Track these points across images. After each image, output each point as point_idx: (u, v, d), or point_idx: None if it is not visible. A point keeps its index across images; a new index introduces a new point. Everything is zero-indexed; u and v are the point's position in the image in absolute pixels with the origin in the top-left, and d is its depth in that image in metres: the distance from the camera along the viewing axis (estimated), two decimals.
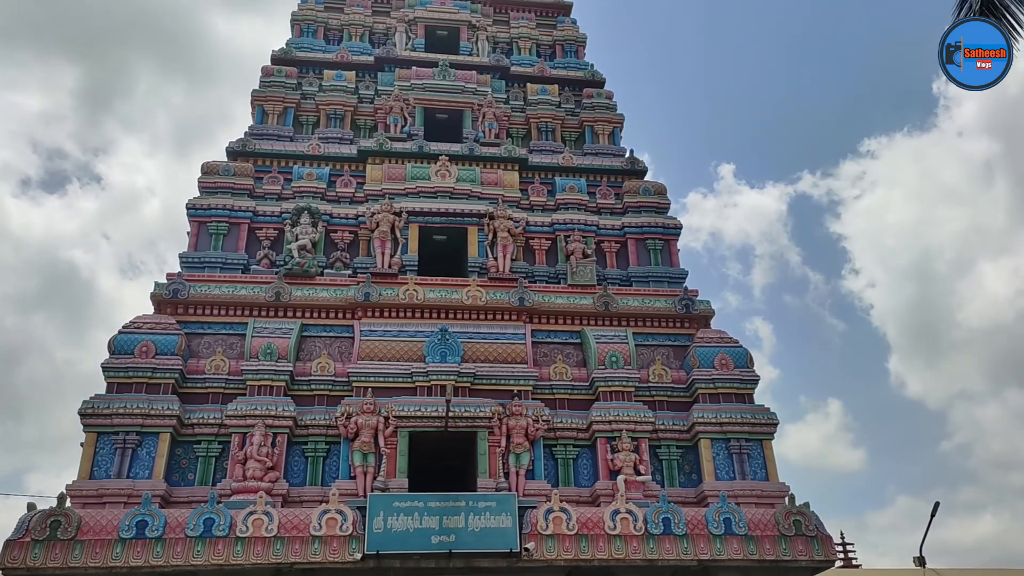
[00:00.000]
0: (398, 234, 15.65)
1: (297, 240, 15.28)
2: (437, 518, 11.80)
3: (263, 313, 14.41)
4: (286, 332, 14.05)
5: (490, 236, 15.89)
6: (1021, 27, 9.98)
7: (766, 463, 13.68)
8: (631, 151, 18.02)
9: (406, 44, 19.52)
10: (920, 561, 13.99)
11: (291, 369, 13.64)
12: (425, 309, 14.71)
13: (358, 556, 11.48)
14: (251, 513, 11.62)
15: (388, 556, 11.57)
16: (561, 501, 12.42)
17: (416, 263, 15.46)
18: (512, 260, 15.76)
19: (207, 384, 13.60)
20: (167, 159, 55.87)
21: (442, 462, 14.43)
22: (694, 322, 15.31)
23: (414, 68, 18.50)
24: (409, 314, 14.67)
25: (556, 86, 19.11)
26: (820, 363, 51.30)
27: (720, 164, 58.71)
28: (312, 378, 13.85)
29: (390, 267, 15.23)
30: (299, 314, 14.52)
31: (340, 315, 14.66)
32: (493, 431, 13.40)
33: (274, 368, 13.53)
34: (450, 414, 13.02)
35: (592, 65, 19.86)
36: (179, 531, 11.33)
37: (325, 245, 15.64)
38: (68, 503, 11.74)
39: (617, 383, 14.15)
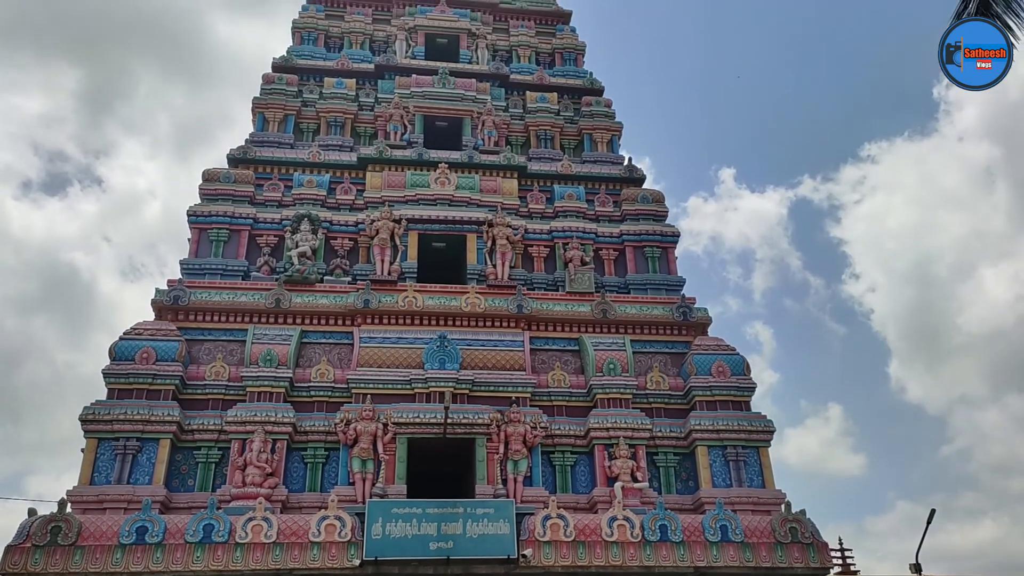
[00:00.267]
0: (397, 241, 15.73)
1: (297, 247, 15.36)
2: (435, 524, 11.86)
3: (263, 320, 14.48)
4: (286, 339, 14.13)
5: (489, 243, 15.96)
6: (1020, 27, 10.00)
7: (763, 470, 13.75)
8: (629, 159, 18.12)
9: (406, 52, 19.62)
10: (916, 568, 14.03)
11: (291, 375, 13.71)
12: (424, 316, 14.78)
13: (356, 562, 11.55)
14: (250, 519, 11.69)
15: (386, 562, 11.63)
16: (559, 508, 12.50)
17: (415, 270, 15.54)
18: (511, 267, 15.84)
19: (207, 390, 13.68)
20: (168, 161, 55.92)
21: (440, 468, 14.50)
22: (691, 330, 15.38)
23: (414, 76, 18.60)
24: (408, 321, 14.75)
25: (555, 94, 19.21)
26: (820, 367, 51.27)
27: (721, 168, 58.80)
28: (312, 384, 13.92)
29: (389, 274, 15.31)
30: (299, 321, 14.60)
31: (340, 322, 14.73)
32: (491, 438, 13.47)
33: (274, 374, 13.61)
34: (448, 421, 13.09)
35: (591, 73, 19.96)
36: (179, 537, 11.40)
37: (325, 252, 15.72)
38: (69, 509, 11.81)
39: (615, 390, 14.22)
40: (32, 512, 11.50)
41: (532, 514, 12.37)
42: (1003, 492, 44.32)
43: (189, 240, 15.66)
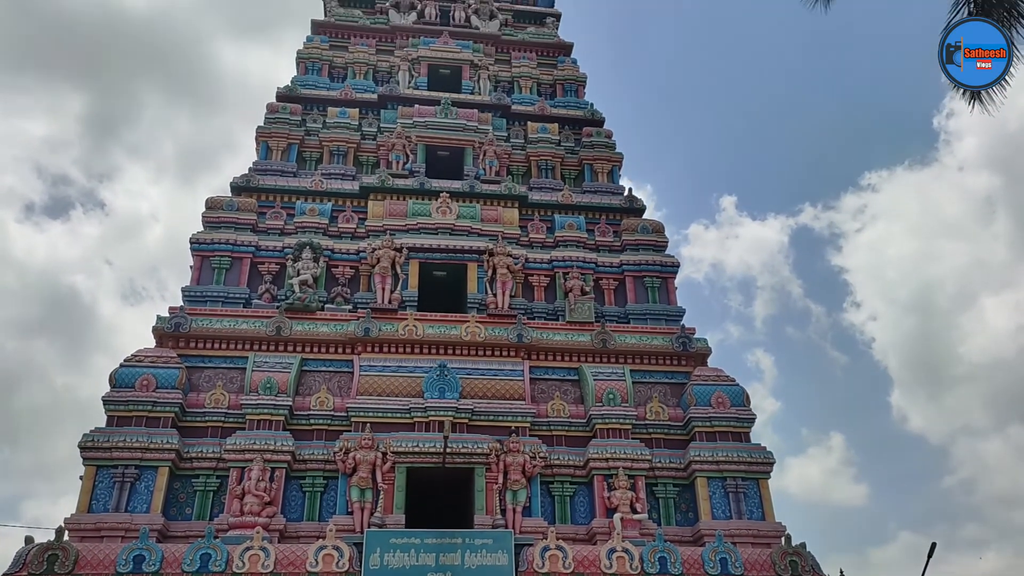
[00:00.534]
0: (398, 270, 15.80)
1: (299, 275, 15.43)
2: (434, 555, 11.82)
3: (264, 347, 14.51)
4: (286, 366, 14.15)
5: (489, 272, 16.04)
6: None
7: (763, 502, 13.69)
8: (629, 189, 18.26)
9: (409, 82, 19.84)
10: None
11: (290, 403, 13.72)
12: (424, 345, 14.82)
13: None
14: (248, 548, 11.64)
15: None
16: (558, 539, 12.45)
17: (416, 299, 15.60)
18: (511, 296, 15.89)
19: (207, 418, 13.67)
20: (171, 186, 56.30)
21: (439, 498, 14.44)
22: (691, 360, 15.41)
23: (417, 106, 18.79)
24: (408, 349, 14.78)
25: (556, 124, 19.39)
26: (822, 396, 51.17)
27: (722, 195, 59.16)
28: (311, 413, 13.92)
29: (390, 302, 15.37)
30: (299, 348, 14.63)
31: (340, 350, 14.77)
32: (490, 468, 13.44)
33: (273, 402, 13.61)
34: (448, 450, 13.08)
35: (592, 104, 20.16)
36: (176, 566, 11.35)
37: (326, 280, 15.79)
38: (66, 536, 11.76)
39: (614, 420, 14.21)
40: (29, 540, 11.46)
41: (531, 545, 12.32)
42: (1006, 524, 44.03)
43: (191, 267, 15.74)
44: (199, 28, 55.75)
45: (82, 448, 12.77)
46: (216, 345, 14.49)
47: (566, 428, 14.39)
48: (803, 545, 12.76)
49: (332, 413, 13.93)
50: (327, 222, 16.51)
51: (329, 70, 20.05)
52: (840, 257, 56.08)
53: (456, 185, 17.33)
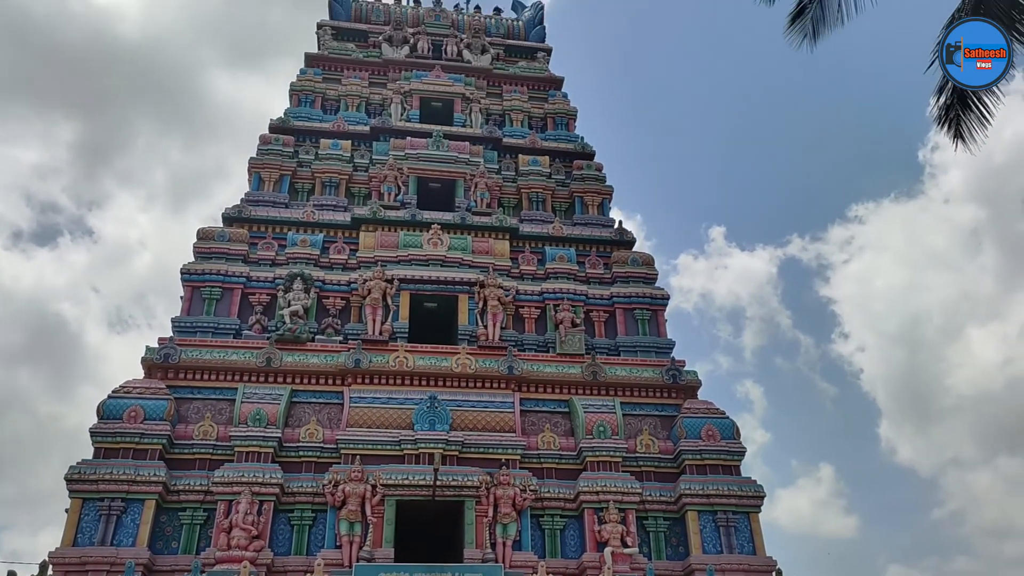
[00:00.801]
0: (389, 301, 15.82)
1: (289, 306, 15.42)
2: None
3: (253, 378, 14.46)
4: (276, 398, 14.10)
5: (480, 304, 16.07)
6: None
7: (753, 536, 13.65)
8: (620, 222, 18.40)
9: (401, 115, 20.01)
10: None
11: (279, 435, 13.64)
12: (415, 376, 14.80)
13: None
14: None
15: None
16: (548, 573, 12.37)
17: (407, 330, 15.60)
18: (502, 328, 15.92)
19: (194, 450, 13.57)
20: (162, 214, 56.24)
21: (429, 531, 14.34)
22: (681, 392, 15.43)
23: (408, 138, 18.94)
24: (399, 381, 14.75)
25: (547, 157, 19.58)
26: (811, 427, 51.15)
27: (711, 226, 59.53)
28: (300, 444, 13.84)
29: (381, 334, 15.36)
30: (289, 380, 14.58)
31: (330, 381, 14.73)
32: (480, 501, 13.37)
33: (263, 434, 13.53)
34: (438, 483, 13.01)
35: (582, 137, 20.38)
36: None
37: (317, 311, 15.79)
38: (50, 571, 11.59)
39: (605, 453, 14.18)
40: (12, 574, 11.30)
41: None
42: (997, 556, 43.88)
43: (181, 298, 15.71)
44: (193, 57, 56.15)
45: (68, 480, 12.64)
46: (205, 376, 14.42)
47: (556, 461, 14.35)
48: None
49: (322, 445, 13.86)
50: (318, 253, 16.55)
51: (322, 102, 20.20)
52: (828, 288, 56.43)
53: (447, 217, 17.42)
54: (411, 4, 23.54)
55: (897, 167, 57.84)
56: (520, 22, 23.78)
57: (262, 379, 14.47)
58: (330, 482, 13.16)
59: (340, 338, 15.42)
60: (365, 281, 15.88)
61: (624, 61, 61.98)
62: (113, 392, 13.70)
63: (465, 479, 13.45)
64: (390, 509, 13.18)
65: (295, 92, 20.17)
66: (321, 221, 17.13)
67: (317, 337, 15.33)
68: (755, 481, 14.12)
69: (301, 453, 13.78)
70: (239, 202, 17.28)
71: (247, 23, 58.51)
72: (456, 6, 23.95)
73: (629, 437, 14.64)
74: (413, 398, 14.44)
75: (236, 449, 13.43)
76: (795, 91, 58.13)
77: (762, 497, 13.98)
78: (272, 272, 16.02)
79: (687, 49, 61.02)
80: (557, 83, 21.95)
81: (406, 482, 13.33)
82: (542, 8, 24.16)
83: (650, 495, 13.97)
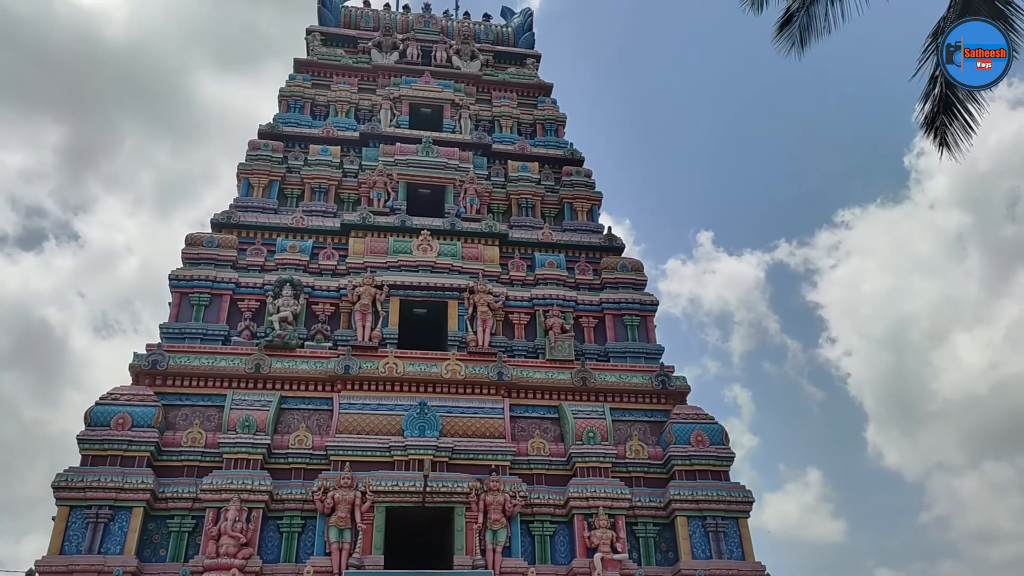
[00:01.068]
0: (379, 307, 15.80)
1: (279, 312, 15.38)
2: None
3: (242, 385, 14.40)
4: (265, 404, 14.05)
5: (470, 310, 16.07)
6: None
7: (742, 541, 13.71)
8: (609, 228, 18.45)
9: (391, 121, 20.01)
10: None
11: (268, 442, 13.59)
12: (404, 382, 14.78)
13: None
14: None
15: None
16: None
17: (396, 336, 15.59)
18: (491, 334, 15.92)
19: (183, 457, 13.51)
20: (148, 218, 55.94)
21: (419, 538, 14.32)
22: (670, 398, 15.49)
23: (398, 144, 18.94)
24: (388, 387, 14.73)
25: (536, 163, 19.61)
26: (799, 431, 51.35)
27: (699, 231, 59.78)
28: (290, 451, 13.80)
29: (370, 340, 15.34)
30: (278, 386, 14.54)
31: (320, 387, 14.69)
32: (470, 507, 13.36)
33: (251, 441, 13.48)
34: (427, 489, 13.00)
35: (571, 144, 20.43)
36: None
37: (306, 317, 15.75)
38: None
39: (594, 459, 14.21)
40: None
41: None
42: (983, 561, 44.14)
43: (170, 304, 15.65)
44: (181, 61, 55.93)
45: (55, 488, 12.56)
46: (194, 383, 14.37)
47: (546, 466, 14.37)
48: None
49: (311, 451, 13.82)
50: (308, 259, 16.52)
51: (311, 108, 20.18)
52: (815, 293, 56.76)
53: (437, 223, 17.42)
54: (400, 10, 23.60)
55: (883, 173, 58.31)
56: (509, 28, 23.84)
57: (251, 385, 14.42)
58: (319, 489, 13.12)
59: (330, 344, 15.39)
60: (355, 287, 15.87)
61: (613, 67, 62.26)
62: (101, 399, 13.62)
63: (455, 485, 13.44)
64: (380, 516, 13.16)
65: (284, 98, 20.14)
66: (310, 227, 17.11)
67: (307, 343, 15.30)
68: (744, 487, 14.18)
69: (290, 460, 13.74)
70: (228, 208, 17.24)
71: (235, 26, 58.42)
72: (445, 12, 24.04)
73: (618, 443, 14.68)
74: (403, 404, 14.43)
75: (225, 456, 13.38)
76: (782, 97, 58.53)
77: (751, 502, 14.04)
78: (261, 278, 15.98)
79: (676, 55, 61.34)
80: (546, 89, 22.01)
81: (396, 488, 13.31)
82: (531, 14, 24.25)
83: (639, 501, 14.00)
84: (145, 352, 14.44)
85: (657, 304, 16.95)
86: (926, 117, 11.25)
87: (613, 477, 14.17)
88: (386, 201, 17.88)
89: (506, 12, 24.87)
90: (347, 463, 13.52)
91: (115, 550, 12.27)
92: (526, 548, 13.50)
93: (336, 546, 12.69)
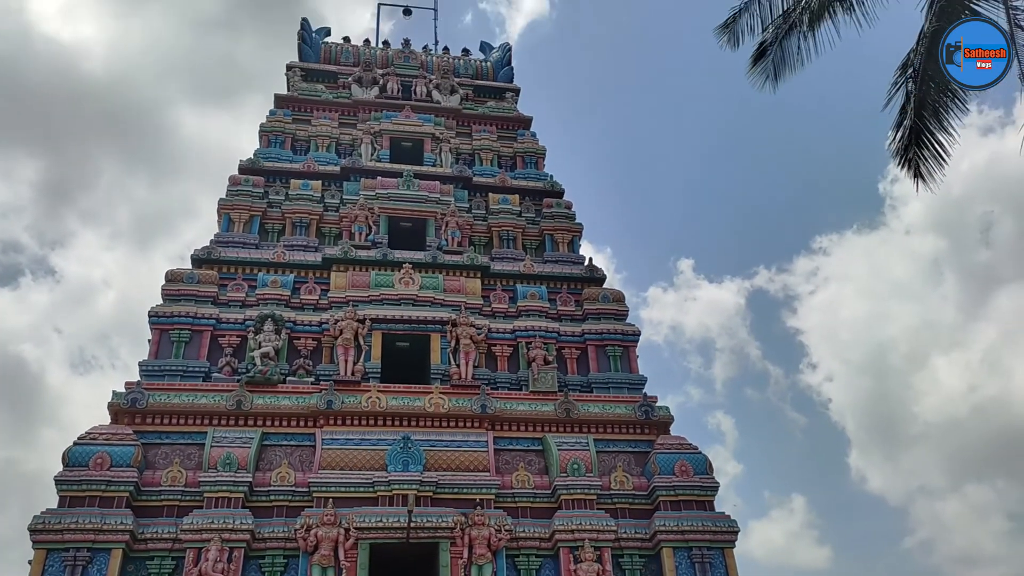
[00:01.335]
0: (361, 341, 15.75)
1: (260, 347, 15.29)
2: None
3: (223, 422, 14.26)
4: (246, 441, 13.91)
5: (453, 343, 16.05)
6: None
7: (728, 571, 13.66)
8: (590, 259, 18.56)
9: (371, 155, 20.10)
10: None
11: (250, 480, 13.44)
12: (387, 417, 14.71)
13: None
14: None
15: None
16: None
17: (379, 370, 15.53)
18: (474, 367, 15.90)
19: (163, 496, 13.31)
20: (126, 252, 55.55)
21: (403, 574, 14.15)
22: (654, 428, 15.50)
23: (379, 178, 19.01)
24: (371, 422, 14.64)
25: (517, 196, 19.74)
26: (783, 457, 51.43)
27: (680, 259, 60.20)
28: (272, 489, 13.64)
29: (353, 374, 15.27)
30: (260, 422, 14.41)
31: (302, 423, 14.58)
32: (455, 542, 13.25)
33: (233, 479, 13.32)
34: (412, 525, 12.88)
35: (551, 176, 20.60)
36: None
37: (288, 352, 15.66)
38: None
39: (579, 491, 14.15)
40: None
41: None
42: None
43: (149, 341, 15.52)
44: (159, 94, 55.82)
45: (32, 531, 12.32)
46: (174, 420, 14.21)
47: (531, 499, 14.29)
48: None
49: (293, 488, 13.67)
50: (289, 294, 16.47)
51: (292, 143, 20.23)
52: (795, 319, 57.22)
53: (419, 256, 17.46)
54: (380, 46, 23.82)
55: (859, 199, 59.12)
56: (488, 63, 24.11)
57: (232, 422, 14.28)
58: (302, 527, 12.96)
59: (312, 379, 15.30)
60: (336, 321, 15.82)
61: (592, 98, 62.92)
62: (79, 439, 13.43)
63: (440, 520, 13.34)
64: (363, 553, 13.01)
65: (265, 133, 20.19)
66: (292, 262, 17.08)
67: (288, 379, 15.20)
68: (729, 516, 14.17)
69: (272, 497, 13.58)
70: (208, 243, 17.18)
71: (214, 60, 58.43)
72: (425, 47, 24.27)
73: (603, 474, 14.64)
74: (386, 439, 14.33)
75: (205, 495, 13.20)
76: (758, 126, 59.41)
77: (736, 532, 14.02)
78: (242, 314, 15.90)
79: (653, 87, 62.13)
80: (526, 122, 22.23)
81: (380, 524, 13.18)
82: (510, 49, 24.54)
83: (625, 532, 13.94)
84: (124, 390, 14.28)
85: (639, 334, 17.02)
86: (898, 147, 11.52)
87: (598, 509, 14.11)
88: (368, 235, 17.90)
89: (485, 47, 25.16)
90: (330, 500, 13.38)
91: None
92: None
93: None
